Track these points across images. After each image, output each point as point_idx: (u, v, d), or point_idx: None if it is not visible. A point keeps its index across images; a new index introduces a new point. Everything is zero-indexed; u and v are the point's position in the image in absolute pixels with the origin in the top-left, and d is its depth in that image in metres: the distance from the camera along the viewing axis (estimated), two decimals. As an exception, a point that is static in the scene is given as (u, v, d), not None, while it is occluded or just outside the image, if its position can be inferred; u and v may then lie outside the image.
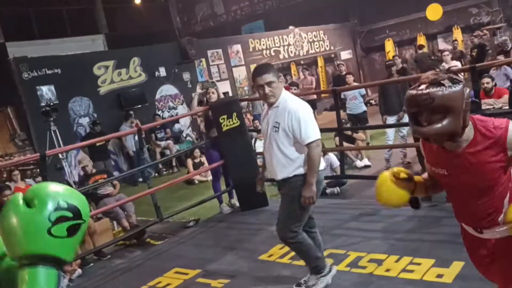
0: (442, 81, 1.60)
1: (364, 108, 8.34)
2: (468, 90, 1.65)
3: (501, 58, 8.29)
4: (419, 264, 3.31)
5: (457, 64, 8.62)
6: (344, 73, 9.77)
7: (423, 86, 1.61)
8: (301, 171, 3.07)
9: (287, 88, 8.03)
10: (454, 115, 1.58)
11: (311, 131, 2.98)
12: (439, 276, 3.09)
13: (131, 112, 9.99)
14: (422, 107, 1.60)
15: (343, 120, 6.92)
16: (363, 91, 8.37)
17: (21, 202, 0.96)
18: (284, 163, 3.07)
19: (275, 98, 3.04)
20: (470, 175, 1.69)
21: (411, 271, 3.24)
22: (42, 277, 0.95)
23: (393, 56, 10.97)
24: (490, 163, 1.64)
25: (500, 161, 1.65)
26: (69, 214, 0.97)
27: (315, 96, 6.94)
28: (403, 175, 1.83)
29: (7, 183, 7.16)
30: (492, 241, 1.79)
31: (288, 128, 2.99)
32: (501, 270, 1.81)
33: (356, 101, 8.20)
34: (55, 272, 0.97)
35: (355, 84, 8.69)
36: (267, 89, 2.97)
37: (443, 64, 8.65)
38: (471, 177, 1.69)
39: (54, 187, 1.00)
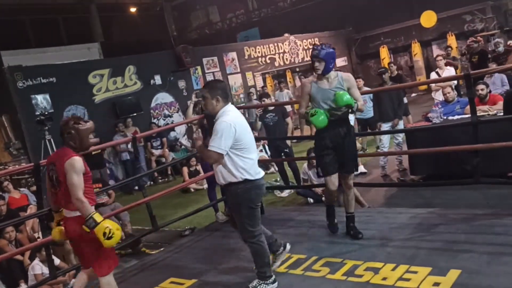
0: None
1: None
2: None
3: (494, 65, 8.32)
4: (415, 272, 3.29)
5: (450, 69, 8.64)
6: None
7: None
8: (233, 179, 3.32)
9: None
10: None
11: (217, 142, 3.29)
12: (436, 284, 3.07)
13: (120, 124, 9.95)
14: None
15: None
16: (372, 95, 8.30)
17: None
18: (221, 170, 3.36)
19: (208, 111, 3.54)
20: None
21: (408, 279, 3.22)
22: None
23: (389, 63, 10.99)
24: None
25: None
26: None
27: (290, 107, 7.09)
28: None
29: (0, 193, 7.11)
30: None
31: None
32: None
33: (366, 105, 8.12)
34: None
35: (366, 88, 8.64)
36: (202, 102, 3.62)
37: (437, 69, 8.69)
38: None
39: None
